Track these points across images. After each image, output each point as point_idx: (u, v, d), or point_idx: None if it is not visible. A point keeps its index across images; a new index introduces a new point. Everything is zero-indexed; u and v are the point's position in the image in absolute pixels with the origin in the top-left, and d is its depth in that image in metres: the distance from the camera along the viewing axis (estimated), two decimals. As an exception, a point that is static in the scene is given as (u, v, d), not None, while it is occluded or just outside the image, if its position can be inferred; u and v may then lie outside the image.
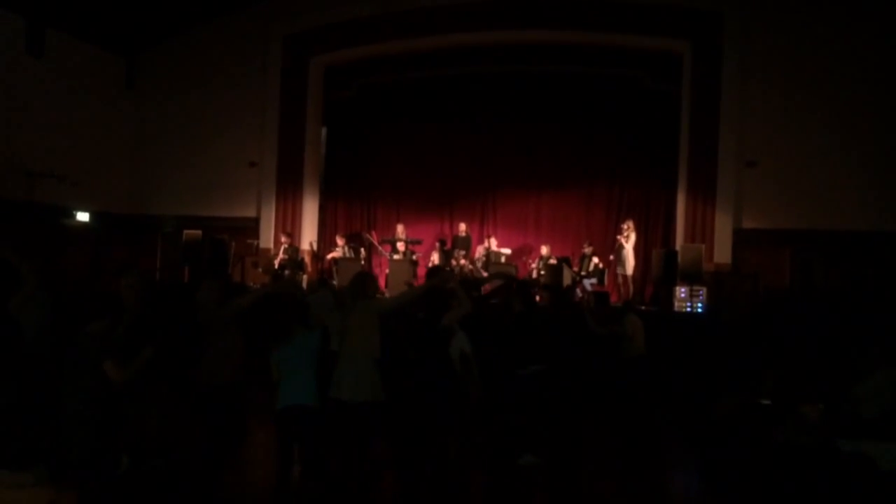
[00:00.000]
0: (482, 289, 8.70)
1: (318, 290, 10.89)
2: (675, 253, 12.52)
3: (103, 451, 4.58)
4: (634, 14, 13.37)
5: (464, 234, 14.93)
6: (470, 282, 8.26)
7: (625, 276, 13.38)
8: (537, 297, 13.23)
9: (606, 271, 13.70)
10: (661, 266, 12.46)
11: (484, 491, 6.33)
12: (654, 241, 14.62)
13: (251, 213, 15.74)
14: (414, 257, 14.24)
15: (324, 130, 16.56)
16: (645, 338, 9.85)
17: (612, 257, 13.71)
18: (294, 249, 14.52)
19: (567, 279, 12.42)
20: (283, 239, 14.59)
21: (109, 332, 4.73)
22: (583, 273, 13.47)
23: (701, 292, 11.79)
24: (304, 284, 13.76)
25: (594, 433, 8.46)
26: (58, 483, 2.84)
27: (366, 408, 5.29)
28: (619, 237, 13.42)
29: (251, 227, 15.53)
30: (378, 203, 16.81)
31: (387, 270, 14.17)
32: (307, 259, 14.93)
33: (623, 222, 13.66)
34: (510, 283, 8.02)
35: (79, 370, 4.65)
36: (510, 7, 13.88)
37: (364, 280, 5.87)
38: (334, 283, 13.77)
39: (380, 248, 15.01)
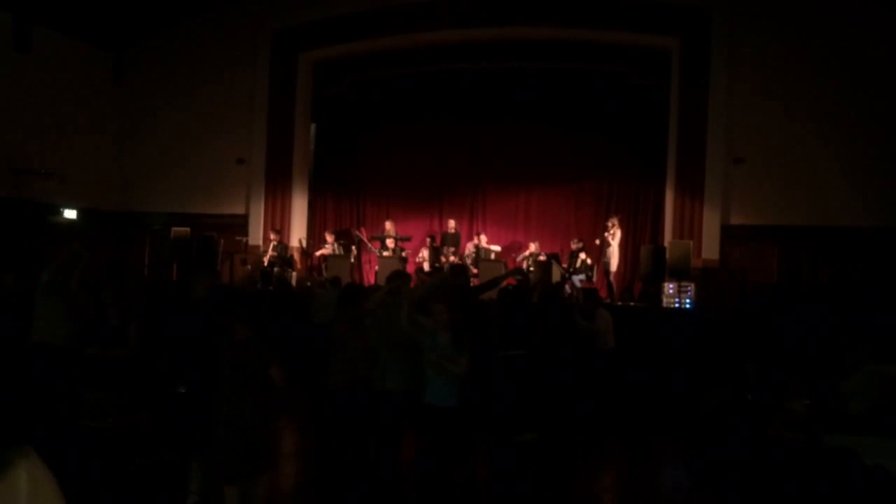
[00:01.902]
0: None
1: (331, 289, 10.99)
2: (664, 249, 12.55)
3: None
4: (623, 10, 13.39)
5: (453, 230, 14.92)
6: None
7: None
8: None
9: (595, 267, 13.73)
10: (649, 262, 12.50)
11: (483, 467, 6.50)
12: (642, 237, 14.67)
13: (240, 210, 15.69)
14: (403, 254, 14.23)
15: (313, 127, 16.54)
16: (615, 332, 9.72)
17: (597, 241, 13.73)
18: (283, 247, 14.50)
19: (556, 276, 12.45)
20: (272, 236, 14.56)
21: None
22: (571, 270, 13.49)
23: (689, 288, 11.82)
24: (294, 282, 13.76)
25: (585, 428, 8.50)
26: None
27: (404, 396, 5.54)
28: (605, 234, 13.45)
29: (240, 225, 15.47)
30: (367, 200, 16.80)
31: (376, 267, 14.16)
32: (296, 256, 14.90)
33: (608, 219, 13.71)
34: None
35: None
36: (498, 3, 13.89)
37: (399, 278, 6.14)
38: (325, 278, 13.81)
39: (369, 244, 15.00)
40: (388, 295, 5.98)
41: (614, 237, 13.35)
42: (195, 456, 5.19)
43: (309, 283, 13.76)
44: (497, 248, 14.66)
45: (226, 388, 4.51)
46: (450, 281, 6.87)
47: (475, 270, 13.38)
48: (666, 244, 12.86)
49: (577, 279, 13.26)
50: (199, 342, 5.08)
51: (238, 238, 15.03)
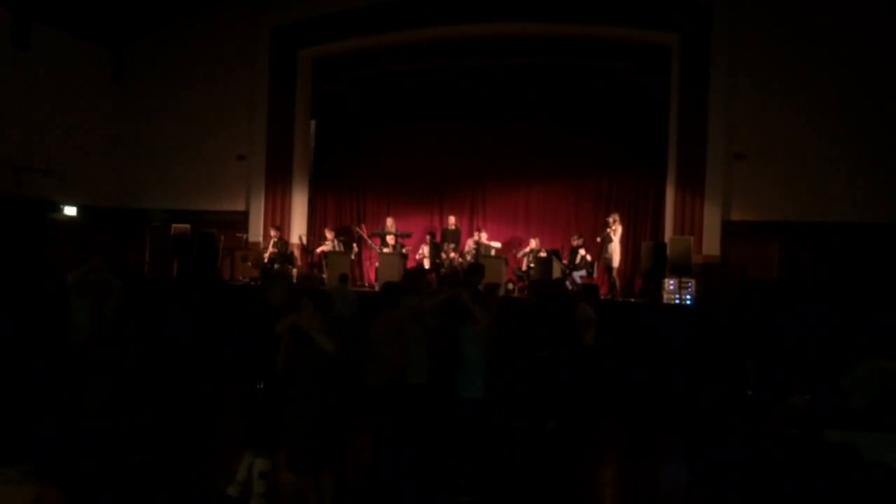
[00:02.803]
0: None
1: (340, 285, 11.05)
2: (664, 245, 12.54)
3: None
4: (623, 6, 13.39)
5: (453, 227, 14.91)
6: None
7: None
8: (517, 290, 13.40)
9: (596, 264, 13.72)
10: (650, 258, 12.48)
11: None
12: (642, 233, 14.65)
13: (240, 206, 15.70)
14: (403, 251, 14.22)
15: (313, 123, 16.53)
16: (596, 329, 9.66)
17: (598, 239, 13.72)
18: (283, 243, 14.48)
19: (557, 272, 12.45)
20: (272, 233, 14.55)
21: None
22: (572, 266, 13.48)
23: (690, 284, 11.82)
24: (295, 279, 13.75)
25: (583, 424, 8.52)
26: (43, 479, 2.84)
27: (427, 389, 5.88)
28: (607, 230, 13.43)
29: (240, 221, 15.48)
30: (368, 196, 16.77)
31: (376, 264, 14.16)
32: (297, 253, 14.90)
33: (609, 216, 13.69)
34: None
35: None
36: (498, 0, 13.87)
37: (415, 277, 6.30)
38: (324, 276, 13.82)
39: (369, 241, 14.99)
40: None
41: (616, 233, 13.34)
42: (272, 449, 5.37)
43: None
44: (497, 244, 14.64)
45: (303, 384, 4.80)
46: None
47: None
48: (666, 240, 12.85)
49: (578, 275, 13.26)
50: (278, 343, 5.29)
51: (238, 235, 15.03)
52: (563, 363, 8.20)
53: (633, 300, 12.98)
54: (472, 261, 13.93)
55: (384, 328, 5.76)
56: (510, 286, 13.58)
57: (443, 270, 13.58)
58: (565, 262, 13.47)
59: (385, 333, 5.74)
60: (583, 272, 13.33)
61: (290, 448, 4.87)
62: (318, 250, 15.08)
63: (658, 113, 13.81)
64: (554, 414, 8.10)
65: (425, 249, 14.41)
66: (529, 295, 8.94)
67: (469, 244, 14.60)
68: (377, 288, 13.25)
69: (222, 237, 14.43)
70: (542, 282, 11.36)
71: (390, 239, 14.39)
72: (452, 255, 14.04)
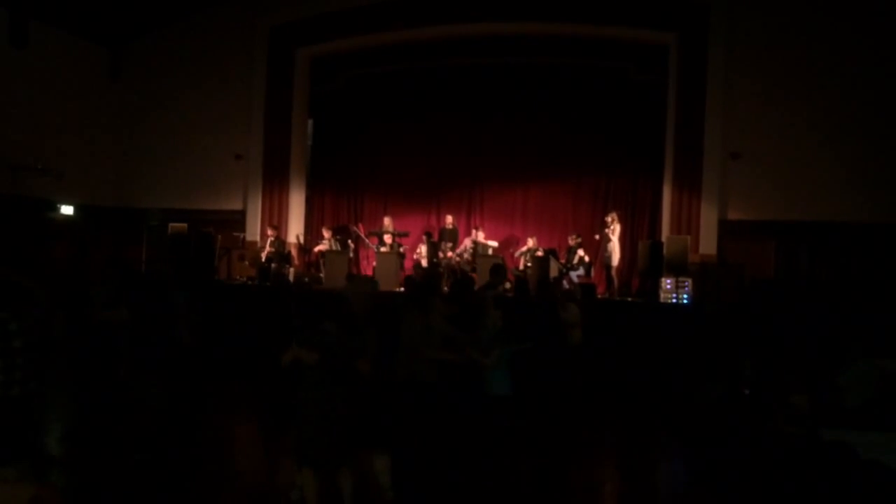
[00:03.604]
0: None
1: (349, 282, 11.05)
2: (661, 244, 12.56)
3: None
4: (621, 5, 13.41)
5: (451, 226, 14.90)
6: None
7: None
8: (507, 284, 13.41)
9: (593, 264, 13.72)
10: (646, 258, 12.50)
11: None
12: (639, 232, 14.67)
13: (237, 205, 15.67)
14: (401, 250, 14.22)
15: (310, 123, 16.51)
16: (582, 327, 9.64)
17: (597, 237, 13.72)
18: (281, 242, 14.47)
19: (554, 271, 12.45)
20: (269, 232, 14.54)
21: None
22: (569, 265, 13.49)
23: (686, 284, 11.83)
24: (291, 278, 13.75)
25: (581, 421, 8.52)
26: (40, 478, 2.83)
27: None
28: (605, 230, 13.44)
29: (237, 220, 15.45)
30: (365, 195, 16.77)
31: (374, 263, 14.16)
32: (294, 252, 14.89)
33: (607, 215, 13.71)
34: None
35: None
36: (497, -1, 13.90)
37: (433, 277, 6.46)
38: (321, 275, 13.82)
39: (367, 240, 14.98)
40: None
41: (614, 232, 13.34)
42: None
43: (307, 279, 13.75)
44: (495, 243, 14.64)
45: (314, 376, 4.80)
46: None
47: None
48: (663, 239, 12.87)
49: (575, 275, 13.26)
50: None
51: (236, 234, 15.01)
52: (548, 362, 8.19)
53: (629, 299, 12.99)
54: (470, 259, 13.97)
55: (410, 327, 5.94)
56: (506, 285, 13.57)
57: (440, 270, 13.58)
58: (563, 261, 13.47)
59: (411, 331, 5.92)
60: (580, 271, 13.33)
61: (299, 437, 4.86)
62: (316, 249, 15.07)
63: (655, 112, 13.83)
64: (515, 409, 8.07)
65: (423, 249, 14.41)
66: (514, 293, 8.98)
67: (466, 243, 14.60)
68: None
69: (219, 236, 14.42)
70: (525, 280, 11.37)
71: (387, 238, 14.38)
72: (450, 254, 14.05)
